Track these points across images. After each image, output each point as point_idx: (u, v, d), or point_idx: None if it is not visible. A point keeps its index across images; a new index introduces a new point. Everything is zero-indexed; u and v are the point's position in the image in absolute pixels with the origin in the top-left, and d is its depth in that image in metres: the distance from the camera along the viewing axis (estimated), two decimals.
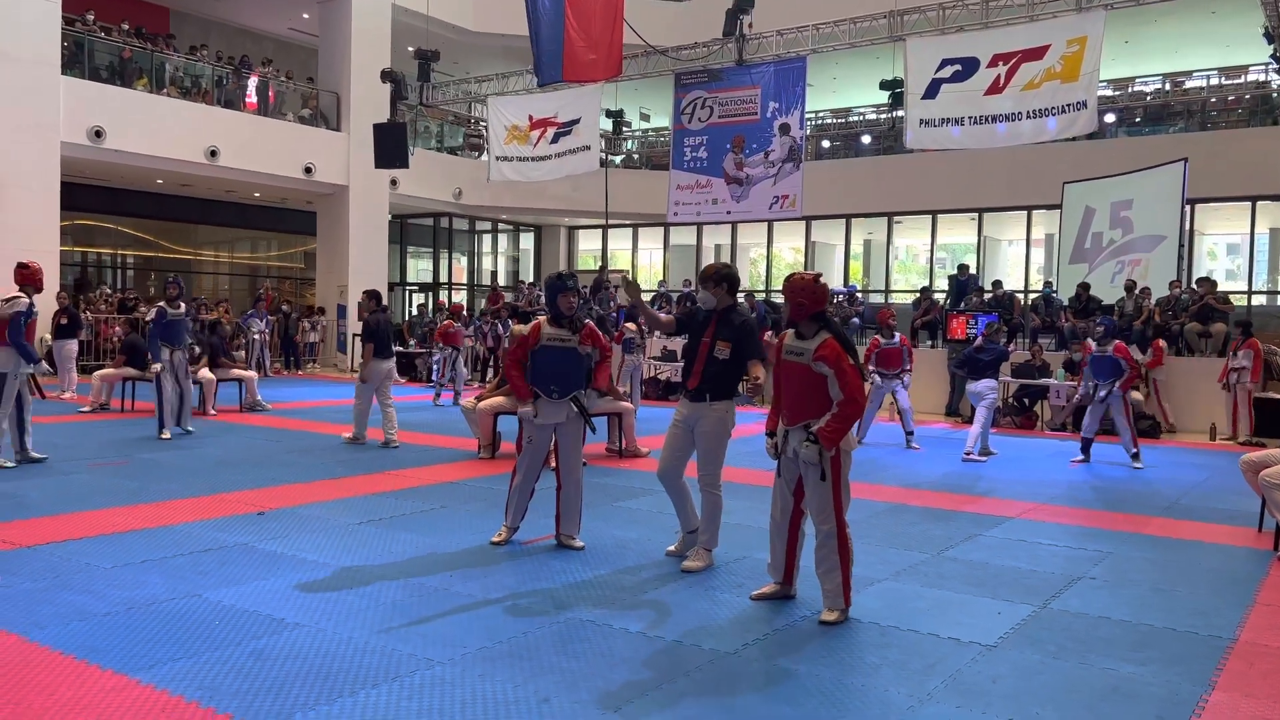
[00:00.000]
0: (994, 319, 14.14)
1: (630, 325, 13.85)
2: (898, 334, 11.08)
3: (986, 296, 16.29)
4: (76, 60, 17.91)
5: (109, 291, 20.21)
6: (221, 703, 3.35)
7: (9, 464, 7.94)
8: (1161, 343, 13.67)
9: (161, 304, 10.08)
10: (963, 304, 16.51)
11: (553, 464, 5.84)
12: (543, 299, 20.71)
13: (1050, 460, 10.21)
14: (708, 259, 26.19)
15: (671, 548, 5.66)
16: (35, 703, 3.30)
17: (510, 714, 3.34)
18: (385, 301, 12.40)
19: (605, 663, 3.86)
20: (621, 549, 5.73)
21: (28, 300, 7.97)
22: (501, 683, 3.61)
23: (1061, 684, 3.79)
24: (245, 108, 20.64)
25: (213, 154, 19.08)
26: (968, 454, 9.94)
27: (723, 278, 5.34)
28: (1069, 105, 13.15)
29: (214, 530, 5.93)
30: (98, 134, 17.43)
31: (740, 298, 5.10)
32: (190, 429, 10.24)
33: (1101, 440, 10.36)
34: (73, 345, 14.40)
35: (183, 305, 10.27)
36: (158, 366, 9.86)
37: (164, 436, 9.78)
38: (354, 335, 21.22)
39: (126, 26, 19.95)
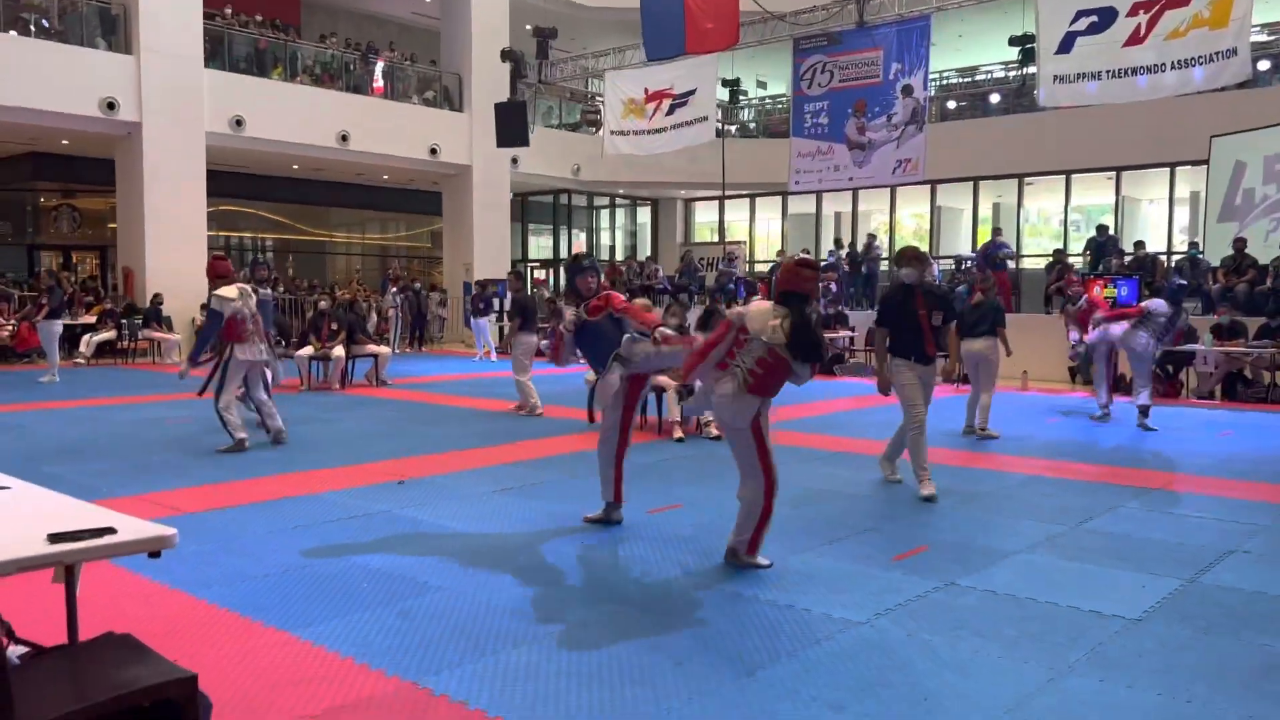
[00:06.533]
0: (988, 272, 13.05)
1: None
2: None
3: (1128, 259, 15.51)
4: (216, 53, 18.83)
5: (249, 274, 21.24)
6: (374, 659, 3.54)
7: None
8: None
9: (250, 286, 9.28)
10: (1101, 267, 15.77)
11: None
12: (658, 273, 21.06)
13: (1197, 431, 9.70)
14: (828, 227, 25.72)
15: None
16: (207, 655, 3.56)
17: (645, 675, 3.42)
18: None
19: (737, 629, 3.91)
20: None
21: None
22: (636, 645, 3.70)
23: (1214, 660, 3.63)
24: (373, 92, 21.32)
25: (344, 138, 19.80)
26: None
27: (923, 257, 6.67)
28: (1218, 54, 12.32)
29: (358, 499, 6.23)
30: (238, 123, 18.31)
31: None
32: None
33: (1257, 409, 9.75)
34: (55, 326, 13.69)
35: (269, 289, 10.22)
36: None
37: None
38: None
39: (260, 18, 20.84)
